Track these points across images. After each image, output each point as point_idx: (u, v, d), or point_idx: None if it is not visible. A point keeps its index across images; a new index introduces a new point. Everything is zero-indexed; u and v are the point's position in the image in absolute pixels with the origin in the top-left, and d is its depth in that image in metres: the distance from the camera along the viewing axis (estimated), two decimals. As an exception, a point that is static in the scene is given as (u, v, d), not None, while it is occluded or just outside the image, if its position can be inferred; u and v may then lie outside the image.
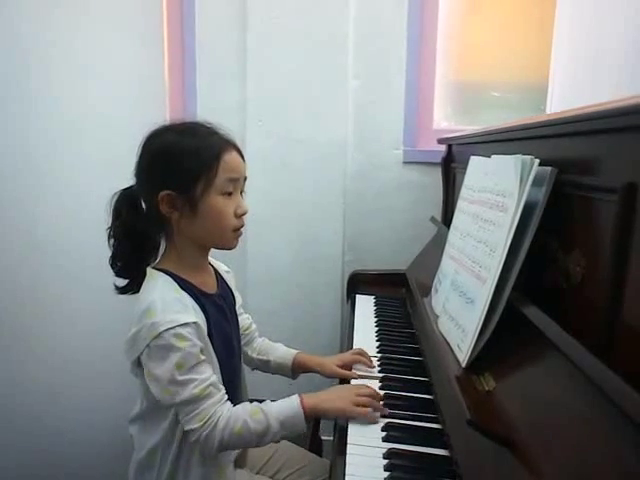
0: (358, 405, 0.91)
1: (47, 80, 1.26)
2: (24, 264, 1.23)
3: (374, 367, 1.12)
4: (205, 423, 0.85)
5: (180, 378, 0.83)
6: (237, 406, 0.90)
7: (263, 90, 1.82)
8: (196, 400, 0.84)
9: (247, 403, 0.92)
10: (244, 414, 0.88)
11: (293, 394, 0.93)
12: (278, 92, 1.81)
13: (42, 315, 1.28)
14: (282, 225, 1.86)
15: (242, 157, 0.95)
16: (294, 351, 1.16)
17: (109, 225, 0.94)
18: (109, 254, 0.95)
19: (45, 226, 1.27)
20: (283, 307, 1.89)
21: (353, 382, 1.06)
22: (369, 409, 0.91)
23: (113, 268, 0.95)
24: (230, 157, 0.91)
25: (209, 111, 1.84)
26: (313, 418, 0.92)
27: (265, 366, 1.16)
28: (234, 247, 0.96)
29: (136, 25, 1.58)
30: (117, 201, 0.95)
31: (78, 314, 1.36)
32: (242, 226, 0.95)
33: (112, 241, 0.94)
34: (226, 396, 0.90)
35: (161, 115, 1.71)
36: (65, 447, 1.34)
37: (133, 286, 0.96)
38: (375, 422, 0.90)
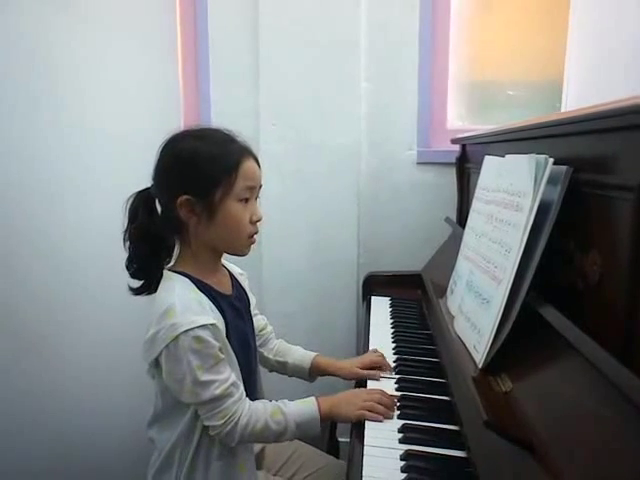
0: (367, 409, 0.92)
1: (57, 87, 1.27)
2: (35, 273, 1.24)
3: (392, 370, 1.12)
4: (227, 420, 0.87)
5: (202, 379, 0.85)
6: (257, 403, 0.93)
7: (276, 95, 1.82)
8: (218, 400, 0.87)
9: (267, 401, 0.95)
10: (265, 413, 0.91)
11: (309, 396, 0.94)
12: (291, 97, 1.81)
13: (53, 323, 1.29)
14: (296, 228, 1.87)
15: (259, 165, 0.97)
16: (312, 354, 1.16)
17: (125, 228, 0.96)
18: (120, 260, 0.96)
19: (55, 235, 1.28)
20: (299, 310, 1.89)
21: (369, 385, 1.06)
22: (373, 414, 0.92)
23: (129, 270, 0.96)
24: (248, 165, 0.93)
25: (223, 117, 1.85)
26: (328, 421, 0.95)
27: (282, 368, 1.16)
28: (246, 254, 0.98)
29: (150, 33, 1.60)
30: (133, 203, 0.96)
31: (89, 321, 1.37)
32: (256, 232, 0.96)
33: (128, 243, 0.96)
34: (244, 393, 0.92)
35: (176, 122, 1.73)
36: (74, 453, 1.35)
37: (147, 287, 0.97)
38: (380, 421, 0.92)
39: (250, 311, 1.07)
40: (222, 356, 0.88)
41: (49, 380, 1.28)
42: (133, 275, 0.97)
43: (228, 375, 0.88)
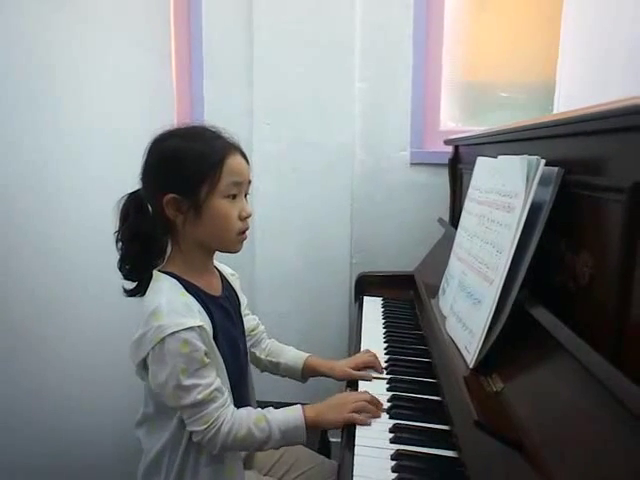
0: (353, 411, 0.92)
1: (55, 87, 1.27)
2: (33, 271, 1.23)
3: (383, 371, 1.12)
4: (209, 426, 0.86)
5: (184, 383, 0.84)
6: (241, 410, 0.91)
7: (270, 94, 1.82)
8: (200, 404, 0.85)
9: (251, 408, 0.94)
10: (248, 420, 0.89)
11: (301, 399, 0.94)
12: (285, 96, 1.81)
13: (52, 321, 1.29)
14: (290, 228, 1.87)
15: (246, 160, 0.96)
16: (305, 354, 1.16)
17: (117, 228, 0.95)
18: (116, 259, 0.95)
19: (54, 234, 1.27)
20: (291, 309, 1.89)
21: (361, 386, 1.06)
22: (362, 416, 0.91)
23: (121, 271, 0.96)
24: (234, 161, 0.92)
25: (216, 116, 1.84)
26: (313, 429, 0.93)
27: (275, 368, 1.16)
28: (238, 250, 0.97)
29: (143, 30, 1.59)
30: (124, 204, 0.95)
31: (88, 320, 1.37)
32: (247, 229, 0.95)
33: (119, 244, 0.95)
34: (229, 399, 0.90)
35: (169, 121, 1.72)
36: (72, 451, 1.35)
37: (141, 289, 0.96)
38: (368, 424, 0.90)
39: (240, 312, 1.07)
40: (208, 360, 0.87)
41: (48, 378, 1.28)
42: (126, 276, 0.96)
43: (212, 380, 0.87)
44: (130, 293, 0.98)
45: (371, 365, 1.12)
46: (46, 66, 1.25)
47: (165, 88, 1.76)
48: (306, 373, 1.14)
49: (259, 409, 0.93)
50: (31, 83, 1.21)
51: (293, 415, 0.92)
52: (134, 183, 0.95)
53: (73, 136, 1.32)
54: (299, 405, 0.94)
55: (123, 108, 1.47)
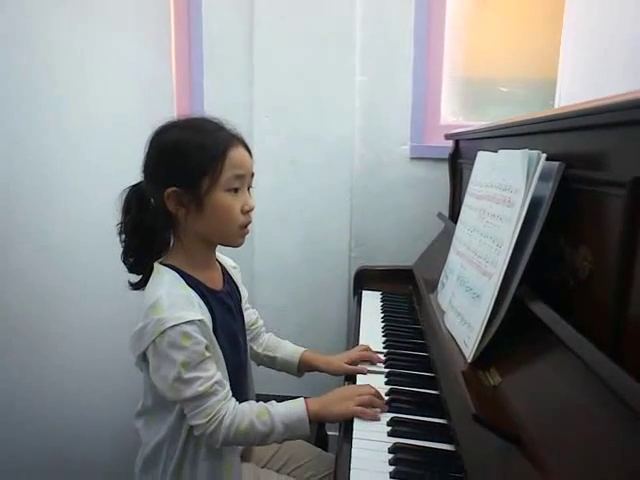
0: (360, 405, 0.91)
1: (52, 82, 1.26)
2: (33, 267, 1.23)
3: (381, 361, 1.12)
4: (210, 419, 0.85)
5: (185, 376, 0.84)
6: (244, 404, 0.91)
7: (270, 87, 1.82)
8: (201, 397, 0.85)
9: (254, 402, 0.93)
10: (251, 413, 0.89)
11: (299, 391, 0.94)
12: (285, 89, 1.81)
13: (50, 317, 1.29)
14: (289, 221, 1.86)
15: (249, 153, 0.94)
16: (301, 349, 1.16)
17: (119, 221, 0.95)
18: (118, 253, 0.95)
19: (54, 230, 1.27)
20: (290, 303, 1.89)
21: (359, 380, 1.06)
22: (371, 410, 0.91)
23: (125, 264, 0.96)
24: (236, 153, 0.90)
25: (216, 109, 1.83)
26: (317, 422, 0.92)
27: (271, 362, 1.16)
28: (240, 244, 0.96)
29: (143, 25, 1.58)
30: (126, 197, 0.95)
31: (85, 316, 1.37)
32: (249, 223, 0.94)
33: (122, 237, 0.95)
34: (231, 393, 0.90)
35: (168, 114, 1.72)
36: (70, 446, 1.35)
37: (147, 281, 0.95)
38: (377, 420, 0.90)
39: (241, 307, 1.06)
40: (208, 354, 0.86)
41: (47, 374, 1.28)
42: (130, 270, 0.96)
43: (213, 373, 0.86)
44: (135, 286, 0.97)
45: (367, 359, 1.12)
46: (48, 65, 1.25)
47: (165, 82, 1.76)
48: (302, 367, 1.14)
49: (261, 402, 0.93)
50: (33, 82, 1.21)
51: (296, 408, 0.91)
52: (135, 179, 0.95)
53: (75, 133, 1.31)
54: (302, 398, 0.93)
55: (123, 103, 1.46)
